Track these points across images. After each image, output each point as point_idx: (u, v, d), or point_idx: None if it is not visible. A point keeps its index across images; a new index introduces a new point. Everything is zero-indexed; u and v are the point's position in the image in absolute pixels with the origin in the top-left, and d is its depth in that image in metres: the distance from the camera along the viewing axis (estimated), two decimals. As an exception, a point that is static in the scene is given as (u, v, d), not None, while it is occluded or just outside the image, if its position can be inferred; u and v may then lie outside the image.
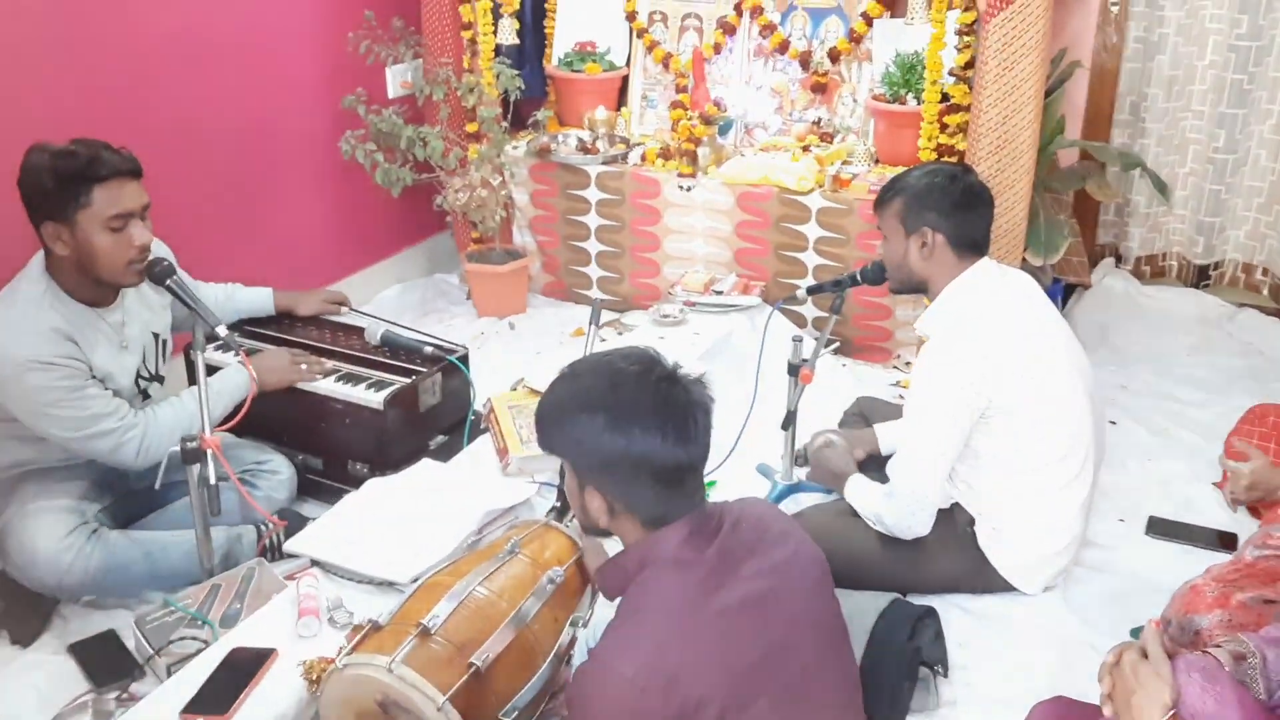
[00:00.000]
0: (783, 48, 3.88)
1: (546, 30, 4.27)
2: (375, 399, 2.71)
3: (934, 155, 3.35)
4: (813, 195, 3.51)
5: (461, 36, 3.89)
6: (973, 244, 2.42)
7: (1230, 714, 1.31)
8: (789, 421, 2.70)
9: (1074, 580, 2.50)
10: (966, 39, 3.24)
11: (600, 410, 1.55)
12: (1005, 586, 2.42)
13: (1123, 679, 1.38)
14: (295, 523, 2.54)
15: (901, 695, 2.08)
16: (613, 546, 1.73)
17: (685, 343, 3.27)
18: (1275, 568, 2.00)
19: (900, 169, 3.23)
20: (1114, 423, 3.16)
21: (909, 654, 2.09)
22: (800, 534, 1.70)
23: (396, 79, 4.05)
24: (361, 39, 3.72)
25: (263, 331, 2.96)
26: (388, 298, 4.17)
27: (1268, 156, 3.85)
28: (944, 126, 3.34)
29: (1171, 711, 1.31)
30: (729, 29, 3.97)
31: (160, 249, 2.53)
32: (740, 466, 2.84)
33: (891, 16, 3.71)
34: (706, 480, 1.72)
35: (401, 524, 2.36)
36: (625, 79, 4.20)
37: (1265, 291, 4.00)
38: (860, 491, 2.46)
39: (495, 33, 3.97)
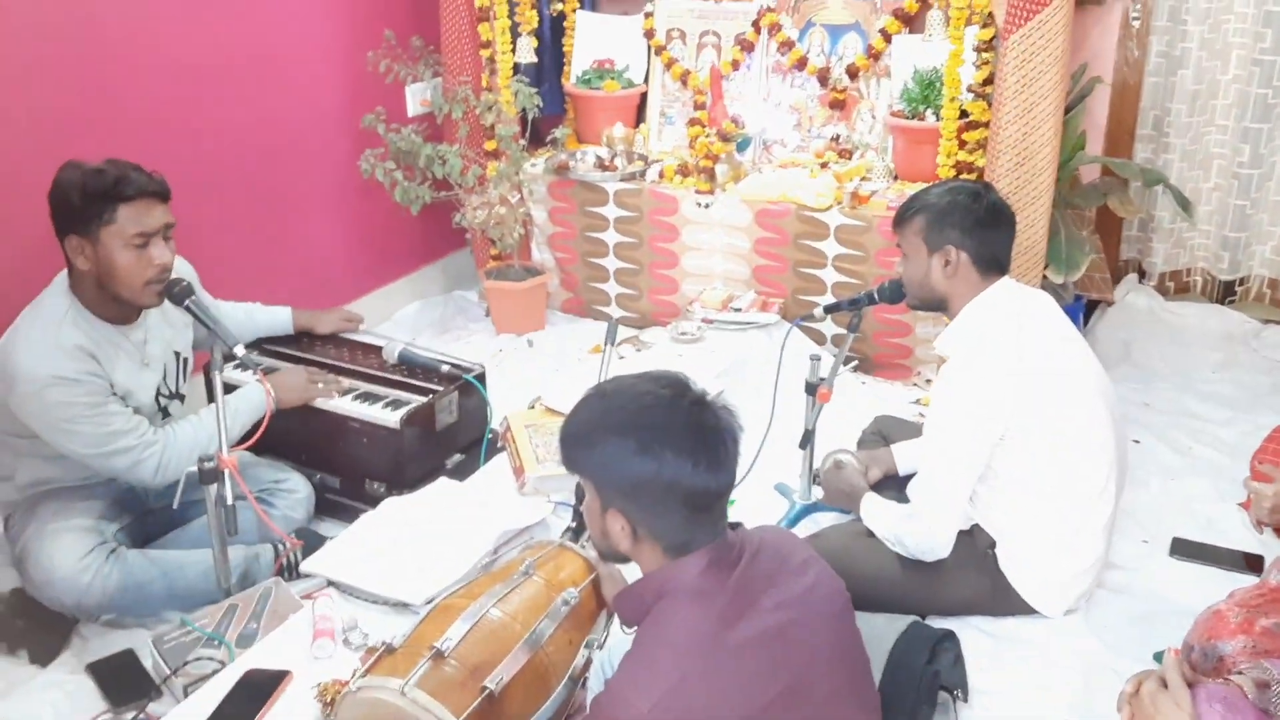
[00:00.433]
0: (801, 64, 3.88)
1: (565, 48, 4.29)
2: (392, 418, 2.72)
3: (953, 172, 3.33)
4: (831, 212, 3.50)
5: (480, 55, 3.91)
6: (995, 262, 2.41)
7: (1253, 744, 1.28)
8: (807, 440, 2.69)
9: (1096, 602, 2.47)
10: (985, 55, 3.22)
11: (631, 433, 1.54)
12: (1026, 609, 2.39)
13: (1142, 709, 1.36)
14: (312, 542, 2.55)
15: (920, 720, 2.06)
16: (629, 573, 1.72)
17: (703, 360, 3.26)
18: (1301, 592, 1.97)
19: (919, 186, 3.22)
20: (1137, 441, 3.13)
21: (928, 678, 2.06)
22: (821, 564, 1.68)
23: (416, 97, 4.08)
24: (381, 58, 3.75)
25: (281, 350, 2.98)
26: (407, 315, 4.19)
27: (1293, 171, 3.82)
28: (963, 143, 3.32)
29: (1193, 742, 1.29)
30: (747, 46, 3.97)
31: (183, 267, 2.55)
32: (758, 486, 2.82)
33: (910, 33, 3.70)
34: (723, 501, 1.71)
35: (417, 544, 2.36)
36: (643, 96, 4.21)
37: (1291, 307, 3.96)
38: (877, 512, 2.44)
39: (514, 51, 3.99)
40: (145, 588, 2.41)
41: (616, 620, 1.92)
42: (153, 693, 2.18)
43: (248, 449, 2.52)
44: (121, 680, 2.24)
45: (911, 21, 3.71)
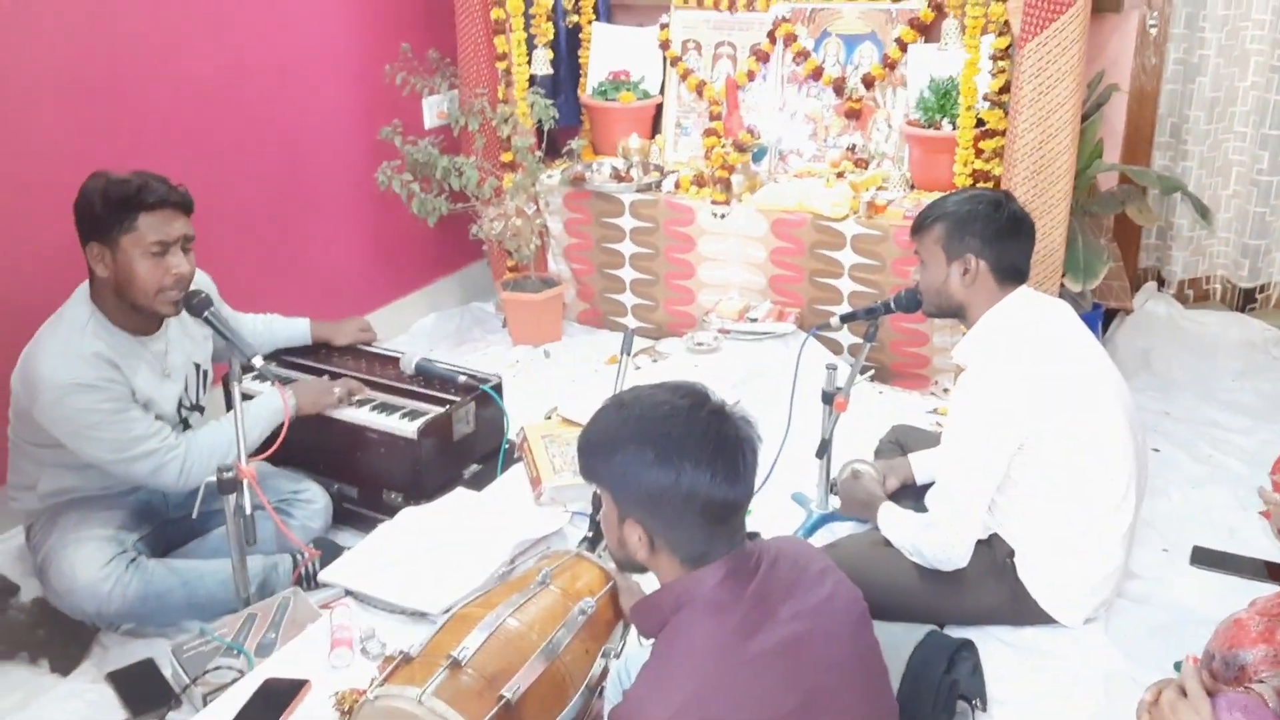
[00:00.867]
0: (817, 74, 3.88)
1: (581, 60, 4.31)
2: (409, 428, 2.73)
3: (969, 181, 3.32)
4: (847, 221, 3.50)
5: (496, 67, 3.93)
6: (1015, 271, 2.40)
7: (1274, 753, 1.27)
8: (823, 450, 2.68)
9: (1116, 612, 2.46)
10: (1001, 64, 3.22)
11: (649, 443, 1.53)
12: (1045, 618, 2.37)
13: (1162, 717, 1.35)
14: (330, 552, 2.56)
15: (939, 729, 2.05)
16: (646, 584, 1.72)
17: (719, 370, 3.26)
18: (1323, 601, 1.95)
19: (935, 195, 3.21)
20: (1157, 450, 3.11)
21: (946, 687, 2.06)
22: (838, 573, 1.67)
23: (432, 110, 4.10)
24: (398, 71, 3.77)
25: (299, 362, 2.99)
26: (424, 326, 4.20)
27: (1313, 178, 3.79)
28: (979, 151, 3.32)
29: (1213, 751, 1.28)
30: (763, 56, 3.97)
31: (202, 279, 2.57)
32: (775, 495, 2.82)
33: (926, 42, 3.70)
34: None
35: (434, 554, 2.37)
36: (659, 107, 4.22)
37: (1313, 315, 3.93)
38: (895, 522, 2.43)
39: (530, 63, 4.01)
40: (165, 597, 2.42)
41: (634, 630, 1.92)
42: (172, 701, 2.20)
43: (265, 459, 2.54)
44: (141, 689, 2.26)
45: (927, 30, 3.71)
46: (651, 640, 1.61)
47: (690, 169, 3.96)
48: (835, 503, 2.77)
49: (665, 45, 4.16)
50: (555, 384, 3.63)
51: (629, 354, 2.65)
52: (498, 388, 2.94)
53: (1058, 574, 2.35)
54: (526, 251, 3.87)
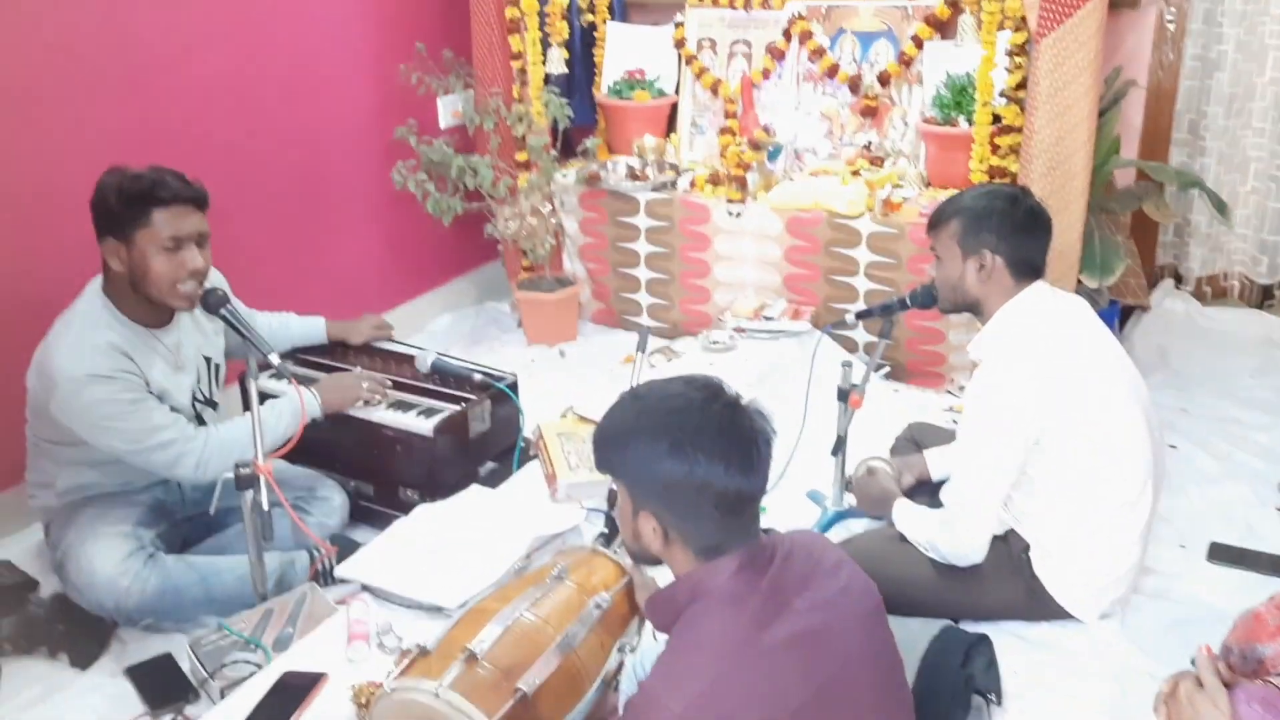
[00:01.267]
0: (832, 72, 3.88)
1: (595, 59, 4.32)
2: (425, 426, 2.73)
3: (986, 177, 3.32)
4: (863, 219, 3.50)
5: (511, 66, 3.94)
6: (1031, 267, 2.40)
7: (1292, 745, 1.27)
8: (839, 447, 2.68)
9: (1133, 608, 2.44)
10: (1018, 60, 3.21)
11: (664, 434, 1.54)
12: (1061, 614, 2.37)
13: (1179, 709, 1.35)
14: (347, 548, 2.57)
15: (954, 725, 2.04)
16: (661, 577, 1.72)
17: (735, 369, 3.26)
18: (1342, 595, 1.94)
19: (951, 192, 3.20)
20: (1174, 447, 3.10)
21: (961, 682, 2.05)
22: (852, 566, 1.67)
23: (447, 109, 4.11)
24: (413, 70, 3.79)
25: (315, 360, 3.01)
26: (439, 326, 4.22)
27: (1332, 174, 3.77)
28: (996, 148, 3.31)
29: (1230, 742, 1.28)
30: (778, 54, 3.97)
31: (215, 277, 2.59)
32: (790, 493, 2.82)
33: (941, 39, 3.69)
34: (755, 507, 1.71)
35: (450, 549, 2.38)
36: (674, 106, 4.23)
37: (1332, 311, 3.91)
38: (911, 518, 2.43)
39: (545, 62, 4.01)
40: (183, 592, 2.44)
41: (649, 624, 1.93)
42: (190, 695, 2.22)
43: (283, 457, 2.55)
44: (160, 683, 2.28)
45: (943, 27, 3.70)
46: (666, 635, 1.61)
47: (705, 167, 3.96)
48: (850, 500, 2.77)
49: (680, 44, 4.16)
50: (570, 383, 3.63)
51: (644, 353, 2.66)
52: (513, 385, 2.94)
53: (1074, 570, 2.34)
54: (541, 251, 3.88)
